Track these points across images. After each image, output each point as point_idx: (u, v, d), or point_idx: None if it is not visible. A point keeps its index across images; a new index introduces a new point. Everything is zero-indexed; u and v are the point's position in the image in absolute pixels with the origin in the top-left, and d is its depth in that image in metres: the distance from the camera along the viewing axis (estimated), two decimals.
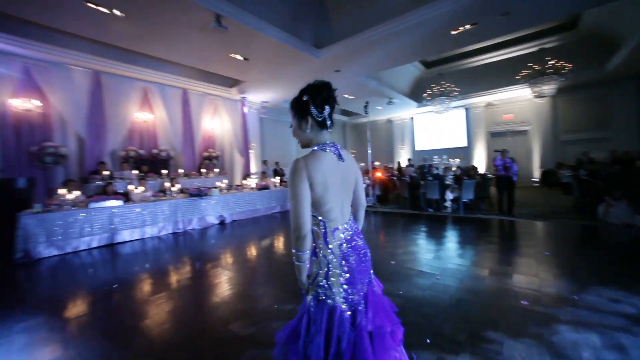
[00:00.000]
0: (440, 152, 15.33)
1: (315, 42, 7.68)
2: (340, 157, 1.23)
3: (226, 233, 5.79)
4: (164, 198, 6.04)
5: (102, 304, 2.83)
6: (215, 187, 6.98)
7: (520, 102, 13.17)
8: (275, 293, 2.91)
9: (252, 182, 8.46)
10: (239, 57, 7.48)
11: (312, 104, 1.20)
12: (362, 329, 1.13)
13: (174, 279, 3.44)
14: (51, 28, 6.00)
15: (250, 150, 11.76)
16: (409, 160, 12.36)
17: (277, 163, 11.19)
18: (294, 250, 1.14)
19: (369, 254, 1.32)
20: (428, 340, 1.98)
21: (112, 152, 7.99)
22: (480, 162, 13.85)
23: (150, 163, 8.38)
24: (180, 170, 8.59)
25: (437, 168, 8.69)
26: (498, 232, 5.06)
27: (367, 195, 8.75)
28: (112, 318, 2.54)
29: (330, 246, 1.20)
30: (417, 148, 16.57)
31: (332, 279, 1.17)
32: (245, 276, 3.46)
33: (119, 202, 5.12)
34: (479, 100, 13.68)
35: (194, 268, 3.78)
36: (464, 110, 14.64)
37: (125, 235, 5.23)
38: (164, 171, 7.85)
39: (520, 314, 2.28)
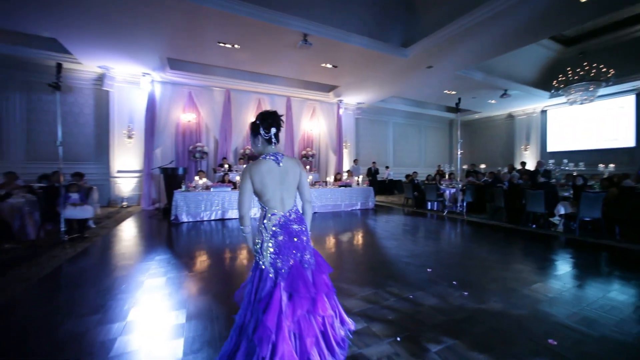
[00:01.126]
0: (586, 153, 11.77)
1: (405, 41, 7.56)
2: (278, 163, 1.63)
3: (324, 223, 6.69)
4: None
5: (215, 256, 4.10)
6: None
7: None
8: (345, 274, 3.41)
9: (345, 179, 9.13)
10: (329, 65, 8.27)
11: (262, 127, 1.64)
12: (278, 287, 1.52)
13: None
14: (200, 63, 8.46)
15: (344, 149, 12.56)
16: (522, 163, 10.15)
17: (373, 163, 11.52)
18: (240, 226, 1.65)
19: (303, 238, 1.65)
20: None
21: (235, 150, 10.44)
22: None
23: None
24: None
25: (555, 174, 6.94)
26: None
27: (455, 201, 7.92)
28: (218, 266, 3.69)
29: (265, 226, 1.62)
30: (551, 148, 13.22)
31: (264, 249, 1.60)
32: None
33: (228, 189, 6.83)
34: None
35: None
36: (634, 96, 10.67)
37: (231, 214, 6.91)
38: None
39: None
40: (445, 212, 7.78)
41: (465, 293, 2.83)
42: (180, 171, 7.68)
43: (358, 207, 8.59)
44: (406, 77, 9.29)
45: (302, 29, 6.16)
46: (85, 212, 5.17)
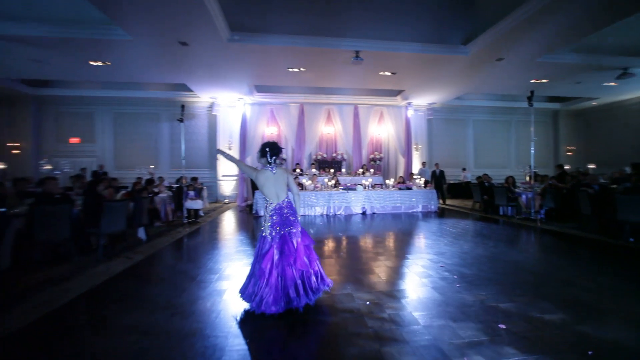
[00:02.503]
0: None
1: (466, 38, 7.36)
2: (272, 172, 2.55)
3: (363, 220, 7.35)
4: (324, 190, 8.59)
5: None
6: (361, 184, 8.72)
7: None
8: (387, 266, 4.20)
9: (419, 181, 9.26)
10: (387, 73, 8.71)
11: (267, 152, 2.58)
12: (272, 247, 2.42)
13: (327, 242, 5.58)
14: (278, 85, 10.23)
15: (415, 152, 12.45)
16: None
17: (436, 165, 11.15)
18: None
19: (291, 218, 2.51)
20: None
21: (309, 155, 11.90)
22: None
23: (330, 164, 11.54)
24: (343, 170, 11.14)
25: None
26: None
27: (531, 207, 7.07)
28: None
29: (266, 210, 2.55)
30: None
31: (265, 223, 2.53)
32: (350, 249, 4.95)
33: None
34: None
35: (337, 237, 5.74)
36: None
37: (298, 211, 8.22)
38: (331, 170, 10.59)
39: None
40: (517, 217, 7.08)
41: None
42: None
43: (419, 209, 8.63)
44: (475, 73, 8.77)
45: (353, 47, 6.92)
46: (198, 204, 7.33)
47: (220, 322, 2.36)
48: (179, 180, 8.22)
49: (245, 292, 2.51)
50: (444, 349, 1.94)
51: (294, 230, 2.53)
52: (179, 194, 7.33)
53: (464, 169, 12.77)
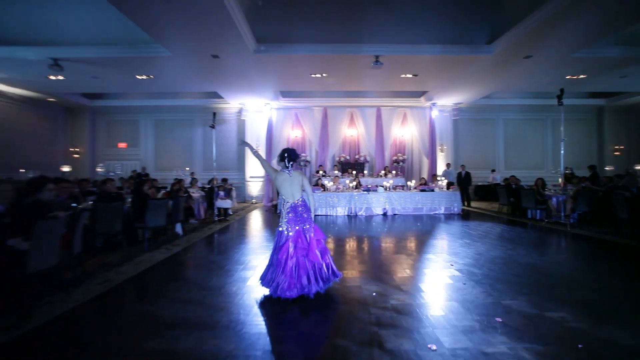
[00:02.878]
0: None
1: (490, 37, 7.25)
2: (289, 173, 2.89)
3: (382, 221, 7.52)
4: (346, 191, 8.85)
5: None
6: (382, 186, 8.85)
7: None
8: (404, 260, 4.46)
9: (441, 183, 9.35)
10: (409, 75, 8.77)
11: (286, 157, 2.94)
12: (288, 241, 2.76)
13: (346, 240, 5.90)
14: (302, 90, 10.67)
15: (440, 152, 12.25)
16: None
17: (462, 166, 10.91)
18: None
19: (304, 215, 2.83)
20: None
21: (332, 158, 12.20)
22: None
23: (353, 166, 11.75)
24: (365, 172, 11.29)
25: None
26: None
27: (562, 210, 6.76)
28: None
29: (283, 208, 2.91)
30: None
31: (282, 220, 2.88)
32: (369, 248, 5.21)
33: (318, 191, 8.51)
34: None
35: (355, 236, 6.03)
36: None
37: (320, 211, 8.55)
38: (353, 172, 10.79)
39: None
40: (545, 221, 6.83)
41: None
42: None
43: (441, 211, 8.57)
44: (503, 71, 8.52)
45: (373, 52, 7.12)
46: (227, 204, 7.95)
47: (243, 302, 2.75)
48: (210, 182, 8.94)
49: (264, 279, 2.89)
50: (436, 333, 2.15)
51: (308, 226, 2.86)
52: (210, 194, 8.00)
53: (492, 171, 12.30)
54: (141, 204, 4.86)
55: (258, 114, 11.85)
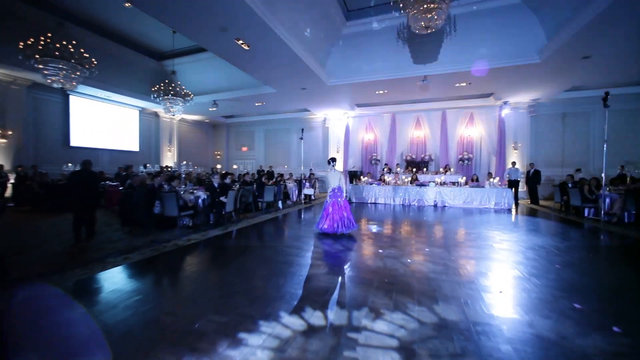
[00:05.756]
0: None
1: (540, 45, 7.83)
2: (332, 170, 5.55)
3: (428, 211, 9.22)
4: (401, 184, 10.77)
5: (363, 215, 8.43)
6: (433, 182, 10.35)
7: None
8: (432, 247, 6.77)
9: (493, 180, 10.12)
10: (463, 84, 9.94)
11: (331, 162, 5.62)
12: (329, 205, 5.44)
13: (398, 224, 8.25)
14: (373, 101, 12.97)
15: (514, 151, 12.38)
16: None
17: (531, 164, 10.97)
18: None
19: (339, 193, 5.44)
20: None
21: (400, 156, 13.98)
22: None
23: (418, 164, 13.27)
24: (424, 169, 12.63)
25: None
26: None
27: (610, 209, 6.98)
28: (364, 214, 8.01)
29: (329, 190, 5.59)
30: None
31: (328, 195, 5.57)
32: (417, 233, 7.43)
33: (377, 184, 10.76)
34: None
35: (410, 221, 8.27)
36: None
37: (381, 200, 10.77)
38: (414, 169, 12.38)
39: None
40: (587, 218, 7.21)
41: None
42: (364, 174, 12.56)
43: (491, 206, 9.47)
44: (567, 71, 8.63)
45: (420, 74, 8.89)
46: (311, 191, 11.15)
47: (310, 234, 5.60)
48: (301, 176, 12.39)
49: (317, 225, 5.65)
50: (420, 277, 4.43)
51: (340, 200, 5.46)
52: (299, 184, 11.39)
53: (578, 170, 11.54)
54: (260, 188, 8.42)
55: (338, 121, 14.76)
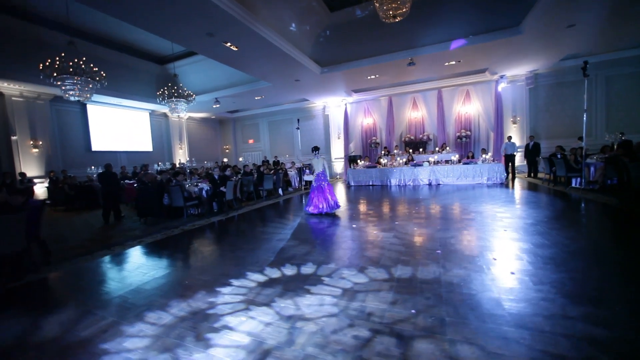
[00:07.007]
0: None
1: (519, 18, 7.90)
2: (316, 158, 6.15)
3: (422, 189, 9.63)
4: (397, 166, 11.18)
5: (357, 198, 9.05)
6: (427, 161, 10.68)
7: None
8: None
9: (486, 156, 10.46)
10: (452, 62, 10.04)
11: (312, 149, 6.23)
12: (315, 188, 6.10)
13: (398, 203, 8.83)
14: (369, 86, 13.21)
15: (513, 125, 12.37)
16: None
17: (531, 137, 10.99)
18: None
19: (322, 177, 6.06)
20: None
21: (400, 137, 14.25)
22: None
23: (417, 144, 13.52)
24: (421, 149, 12.86)
25: None
26: None
27: (585, 178, 7.16)
28: (363, 198, 8.63)
29: (314, 174, 6.22)
30: None
31: (313, 179, 6.20)
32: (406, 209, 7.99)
33: (375, 168, 11.23)
34: None
35: (402, 200, 8.81)
36: None
37: (377, 182, 11.27)
38: (410, 150, 12.67)
39: None
40: (571, 187, 7.43)
41: None
42: (362, 157, 13.03)
43: (484, 181, 9.74)
44: (558, 40, 8.52)
45: (406, 56, 9.12)
46: (311, 177, 11.76)
47: (299, 216, 6.28)
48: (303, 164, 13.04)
49: (306, 207, 6.31)
50: (389, 245, 5.03)
51: (324, 183, 6.07)
52: (300, 171, 12.05)
53: (579, 139, 11.43)
54: (260, 177, 9.16)
55: (337, 108, 15.13)
